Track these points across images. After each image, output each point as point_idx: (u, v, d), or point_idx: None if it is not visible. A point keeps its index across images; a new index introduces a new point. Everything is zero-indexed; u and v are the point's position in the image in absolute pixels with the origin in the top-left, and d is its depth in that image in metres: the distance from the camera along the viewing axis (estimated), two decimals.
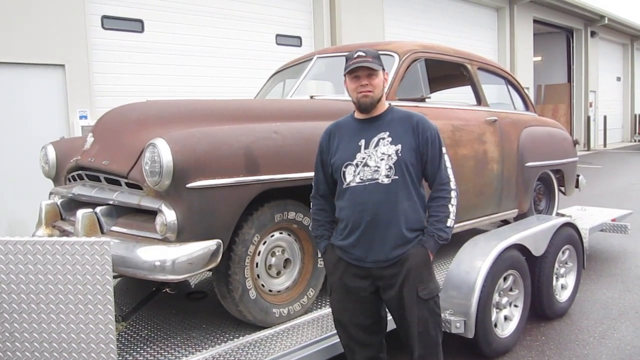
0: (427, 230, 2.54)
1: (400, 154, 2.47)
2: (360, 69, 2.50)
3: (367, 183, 2.48)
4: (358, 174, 2.50)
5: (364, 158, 2.50)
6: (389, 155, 2.47)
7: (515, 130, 4.88)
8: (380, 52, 2.69)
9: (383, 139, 2.50)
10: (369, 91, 2.51)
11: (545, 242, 4.12)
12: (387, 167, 2.46)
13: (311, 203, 2.76)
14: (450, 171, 2.58)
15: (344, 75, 2.58)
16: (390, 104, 2.67)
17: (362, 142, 2.53)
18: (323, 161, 2.67)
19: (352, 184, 2.51)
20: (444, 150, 2.59)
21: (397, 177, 2.47)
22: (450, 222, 2.54)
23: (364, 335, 2.64)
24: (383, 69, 2.57)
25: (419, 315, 2.51)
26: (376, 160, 2.48)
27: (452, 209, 2.55)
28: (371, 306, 2.63)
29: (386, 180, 2.46)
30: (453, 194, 2.56)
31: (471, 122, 4.34)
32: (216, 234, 2.73)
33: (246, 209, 2.88)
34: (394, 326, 2.70)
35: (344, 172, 2.53)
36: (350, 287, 2.59)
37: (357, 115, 2.62)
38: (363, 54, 2.51)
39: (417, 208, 2.53)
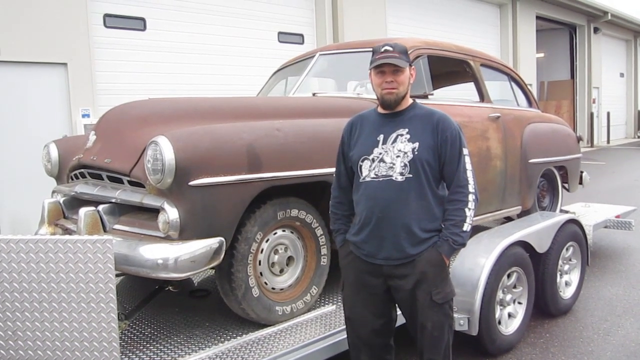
0: (442, 235, 2.48)
1: (416, 152, 2.42)
2: (386, 64, 2.45)
3: (381, 179, 2.45)
4: (373, 169, 2.47)
5: (380, 153, 2.47)
6: (405, 153, 2.43)
7: (518, 127, 4.86)
8: None
9: (401, 135, 2.47)
10: (394, 88, 2.46)
11: (549, 239, 4.11)
12: (402, 164, 2.42)
13: (331, 195, 2.74)
14: (470, 174, 2.49)
15: (369, 69, 2.53)
16: (414, 100, 2.61)
17: (381, 137, 2.49)
18: (344, 153, 2.64)
19: (367, 179, 2.49)
20: (464, 151, 2.50)
21: (411, 175, 2.42)
22: (466, 227, 2.46)
23: (372, 335, 2.62)
24: (410, 65, 2.52)
25: (434, 319, 2.48)
26: (392, 157, 2.44)
27: (469, 213, 2.46)
28: (383, 306, 2.60)
29: (400, 178, 2.43)
30: (471, 197, 2.46)
31: (474, 119, 4.32)
32: (219, 232, 2.72)
33: (249, 206, 2.87)
34: (402, 324, 2.69)
35: (360, 166, 2.51)
36: (362, 283, 2.57)
37: (380, 109, 2.59)
38: (390, 49, 2.45)
39: (431, 208, 2.48)
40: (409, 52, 2.61)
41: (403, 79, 2.47)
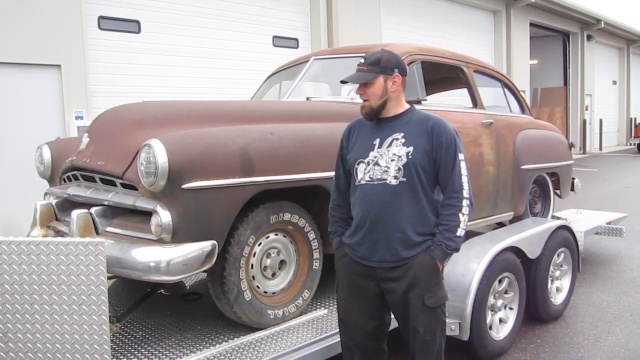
0: (435, 239, 2.48)
1: (411, 156, 2.43)
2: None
3: (375, 182, 2.47)
4: (368, 172, 2.49)
5: (375, 157, 2.49)
6: (400, 157, 2.44)
7: (511, 133, 4.89)
8: None
9: (396, 139, 2.48)
10: (365, 100, 2.51)
11: (541, 245, 4.13)
12: (397, 168, 2.44)
13: (330, 198, 2.76)
14: (465, 179, 2.49)
15: None
16: (412, 105, 2.63)
17: (377, 141, 2.51)
18: (342, 156, 2.67)
19: (362, 182, 2.51)
20: (460, 156, 2.50)
21: (405, 179, 2.43)
22: (460, 232, 2.47)
23: (365, 338, 2.62)
24: (389, 73, 2.50)
25: (425, 323, 2.48)
26: (387, 161, 2.46)
27: (463, 218, 2.47)
28: (376, 309, 2.60)
29: (394, 182, 2.44)
30: (465, 202, 2.47)
31: (467, 125, 4.34)
32: (211, 235, 2.72)
33: (241, 210, 2.87)
34: (394, 328, 2.70)
35: (356, 169, 2.53)
36: (355, 286, 2.59)
37: None
38: (362, 62, 2.50)
39: (425, 212, 2.48)
40: (403, 57, 2.62)
41: (373, 91, 2.49)
